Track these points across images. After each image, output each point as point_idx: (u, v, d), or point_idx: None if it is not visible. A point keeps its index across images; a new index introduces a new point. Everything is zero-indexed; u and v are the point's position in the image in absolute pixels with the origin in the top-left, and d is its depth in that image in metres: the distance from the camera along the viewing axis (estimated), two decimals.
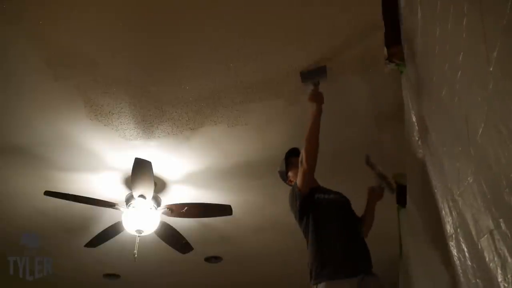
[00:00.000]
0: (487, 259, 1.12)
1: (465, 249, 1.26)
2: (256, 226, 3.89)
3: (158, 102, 2.61)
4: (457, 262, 1.38)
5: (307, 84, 2.43)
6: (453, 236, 1.41)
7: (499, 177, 0.97)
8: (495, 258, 1.05)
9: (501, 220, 1.00)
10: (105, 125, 2.76)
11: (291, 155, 2.51)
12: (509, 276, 0.97)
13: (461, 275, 1.35)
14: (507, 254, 0.98)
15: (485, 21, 1.02)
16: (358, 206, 2.35)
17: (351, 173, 2.96)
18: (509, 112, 0.90)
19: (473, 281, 1.19)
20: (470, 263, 1.23)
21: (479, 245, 1.18)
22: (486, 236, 1.12)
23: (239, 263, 4.64)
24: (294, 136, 2.84)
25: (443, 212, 1.52)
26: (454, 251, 1.41)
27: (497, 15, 0.91)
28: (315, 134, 2.19)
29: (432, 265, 1.94)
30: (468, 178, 1.24)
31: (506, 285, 0.98)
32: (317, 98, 2.30)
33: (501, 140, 0.94)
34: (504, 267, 1.00)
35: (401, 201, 2.98)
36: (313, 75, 2.41)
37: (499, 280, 1.03)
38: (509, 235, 0.96)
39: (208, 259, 4.53)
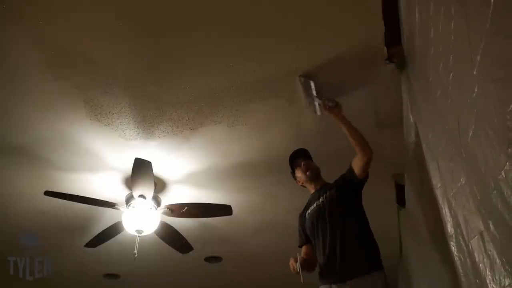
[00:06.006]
0: (477, 260, 1.12)
1: (465, 249, 1.27)
2: (256, 226, 3.90)
3: (158, 102, 2.61)
4: (458, 262, 1.38)
5: (313, 102, 2.47)
6: (453, 235, 1.41)
7: (488, 179, 0.97)
8: (485, 260, 1.06)
9: (490, 221, 1.00)
10: (105, 125, 2.76)
11: (296, 156, 2.54)
12: (497, 277, 0.97)
13: (462, 274, 1.35)
14: (496, 255, 0.98)
15: (469, 24, 1.02)
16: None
17: None
18: (494, 115, 0.90)
19: (474, 281, 1.20)
20: (470, 263, 1.23)
21: (470, 246, 1.18)
22: (476, 237, 1.12)
23: (239, 263, 4.64)
24: (294, 136, 2.85)
25: (443, 211, 1.53)
26: (455, 251, 1.41)
27: (481, 18, 0.91)
28: (357, 133, 2.28)
29: (432, 264, 1.95)
30: (461, 179, 1.24)
31: (494, 286, 0.98)
32: (332, 111, 2.33)
33: (489, 143, 0.94)
34: (493, 269, 1.00)
35: (401, 201, 2.99)
36: (307, 94, 2.45)
37: (487, 281, 1.03)
38: (498, 237, 0.96)
39: (208, 259, 4.53)
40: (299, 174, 2.48)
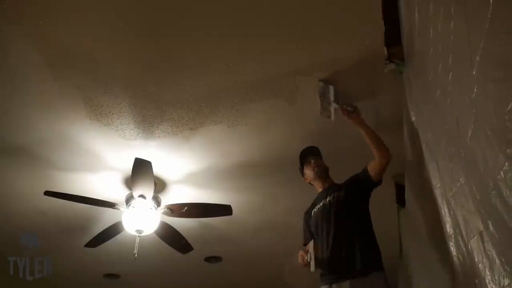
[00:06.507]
0: (476, 260, 1.12)
1: (464, 249, 1.27)
2: (256, 226, 3.89)
3: (158, 102, 2.61)
4: (457, 262, 1.38)
5: (329, 108, 2.46)
6: (452, 236, 1.41)
7: (487, 179, 0.98)
8: (484, 260, 1.06)
9: (489, 221, 1.00)
10: (105, 125, 2.76)
11: (307, 153, 2.53)
12: (496, 277, 0.97)
13: (461, 274, 1.35)
14: (495, 255, 0.98)
15: (469, 24, 1.03)
16: None
17: (351, 173, 2.96)
18: (493, 116, 0.91)
19: (473, 281, 1.19)
20: (469, 263, 1.23)
21: (469, 246, 1.18)
22: (475, 237, 1.12)
23: (239, 263, 4.64)
24: (294, 136, 2.85)
25: (442, 211, 1.53)
26: (454, 251, 1.41)
27: (480, 19, 0.91)
28: (376, 136, 2.26)
29: (432, 264, 1.94)
30: (460, 180, 1.24)
31: (494, 286, 0.98)
32: (351, 115, 2.31)
33: (488, 143, 0.94)
34: (492, 269, 1.00)
35: (401, 201, 2.98)
36: (325, 99, 2.43)
37: (487, 281, 1.03)
38: (497, 237, 0.96)
39: (208, 259, 4.53)
40: (307, 171, 2.48)
